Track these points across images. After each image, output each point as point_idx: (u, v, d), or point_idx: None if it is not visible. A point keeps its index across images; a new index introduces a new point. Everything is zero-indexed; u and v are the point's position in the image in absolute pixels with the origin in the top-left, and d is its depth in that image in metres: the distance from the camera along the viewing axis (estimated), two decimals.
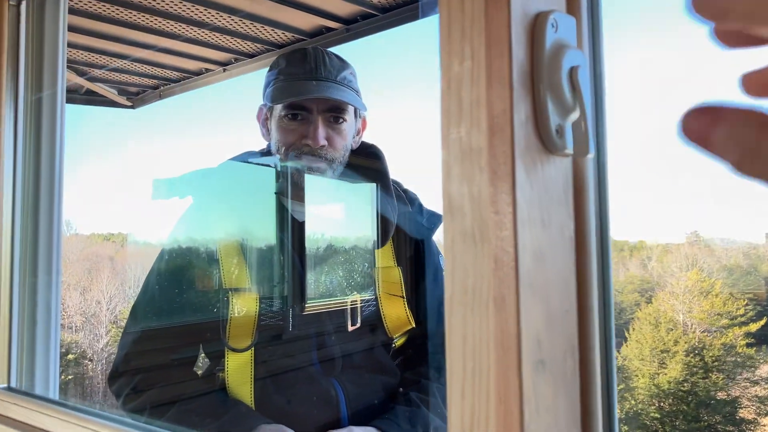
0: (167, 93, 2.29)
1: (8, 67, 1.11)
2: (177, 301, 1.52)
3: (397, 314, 1.56)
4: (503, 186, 0.44)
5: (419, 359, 1.60)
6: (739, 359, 26.81)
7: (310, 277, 1.45)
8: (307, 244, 1.45)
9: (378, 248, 1.55)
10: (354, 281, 1.53)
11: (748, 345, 26.91)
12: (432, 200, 1.67)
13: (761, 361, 26.75)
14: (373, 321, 1.56)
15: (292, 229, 1.50)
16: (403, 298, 1.55)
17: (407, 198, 1.64)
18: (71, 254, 31.01)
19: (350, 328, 1.50)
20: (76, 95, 2.33)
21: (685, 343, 27.26)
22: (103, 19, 1.70)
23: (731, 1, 0.31)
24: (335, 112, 1.49)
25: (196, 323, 1.50)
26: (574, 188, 0.50)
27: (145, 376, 1.45)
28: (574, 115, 0.48)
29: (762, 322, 26.97)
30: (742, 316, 27.47)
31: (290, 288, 1.47)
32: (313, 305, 1.45)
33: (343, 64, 1.52)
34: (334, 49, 1.63)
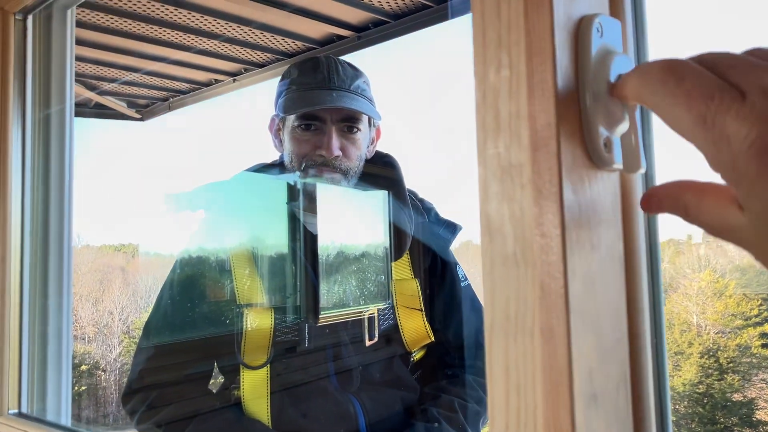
0: (176, 105, 2.27)
1: (15, 83, 1.08)
2: (191, 317, 1.49)
3: (415, 327, 1.52)
4: (549, 206, 0.41)
5: (439, 373, 1.56)
6: (754, 360, 26.55)
7: (324, 288, 1.42)
8: (320, 257, 1.42)
9: (394, 260, 1.51)
10: (370, 293, 1.50)
11: (763, 345, 26.64)
12: (449, 210, 1.64)
13: None
14: (391, 335, 1.52)
15: (305, 241, 1.47)
16: (422, 310, 1.52)
17: (423, 208, 1.61)
18: (83, 266, 31.11)
19: (368, 343, 1.46)
20: (85, 109, 2.31)
21: (699, 344, 27.03)
22: (112, 31, 1.67)
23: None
24: (349, 121, 1.45)
25: (210, 339, 1.47)
26: (622, 206, 0.46)
27: (160, 394, 1.42)
28: (623, 127, 0.44)
29: None
30: (756, 316, 27.21)
31: (304, 301, 1.43)
32: (327, 316, 1.41)
33: (356, 72, 1.49)
34: (346, 58, 1.60)
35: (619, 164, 0.45)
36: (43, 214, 1.12)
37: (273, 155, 1.61)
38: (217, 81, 2.09)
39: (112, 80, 2.08)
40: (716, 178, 0.37)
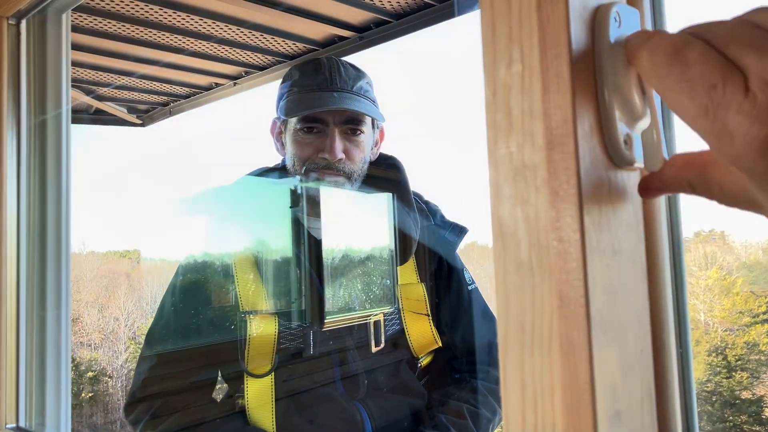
0: (177, 110, 2.25)
1: (9, 88, 1.06)
2: (193, 324, 1.47)
3: (422, 333, 1.49)
4: (567, 209, 0.38)
5: (447, 379, 1.53)
6: (762, 357, 26.43)
7: (329, 293, 1.39)
8: (324, 261, 1.40)
9: (400, 264, 1.49)
10: (375, 297, 1.47)
11: None
12: (454, 212, 1.61)
13: None
14: (398, 340, 1.49)
15: (309, 246, 1.45)
16: (428, 315, 1.49)
17: (429, 210, 1.58)
18: (88, 272, 31.17)
19: (374, 349, 1.43)
20: (85, 115, 2.29)
21: (707, 342, 26.94)
22: (110, 36, 1.65)
23: None
24: (352, 123, 1.43)
25: (213, 346, 1.44)
26: (644, 207, 0.43)
27: (163, 403, 1.40)
28: (644, 123, 0.41)
29: None
30: (764, 313, 27.10)
31: (309, 308, 1.41)
32: (332, 321, 1.39)
33: (358, 73, 1.47)
34: (347, 58, 1.58)
35: (640, 163, 0.42)
36: (40, 223, 1.10)
37: (275, 159, 1.59)
38: (217, 85, 2.07)
39: (112, 86, 2.05)
40: None
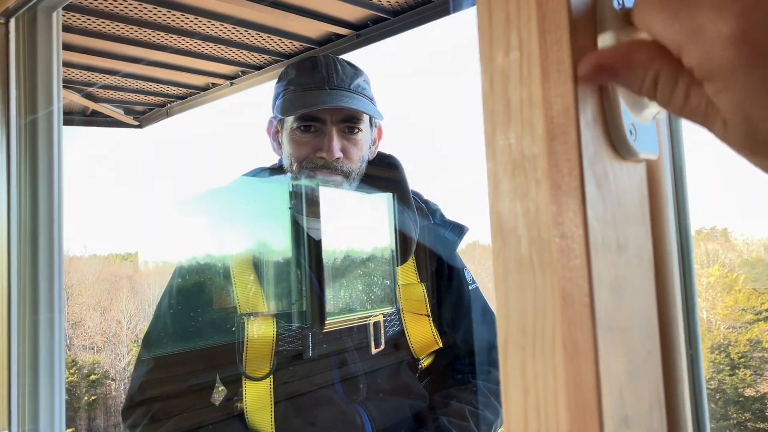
0: (174, 110, 2.23)
1: None
2: (190, 327, 1.45)
3: (422, 334, 1.47)
4: (569, 203, 0.36)
5: (448, 380, 1.51)
6: (766, 355, 26.37)
7: (329, 294, 1.37)
8: (324, 263, 1.38)
9: (399, 265, 1.46)
10: (376, 297, 1.45)
11: None
12: (455, 211, 1.59)
13: None
14: (398, 342, 1.47)
15: (308, 247, 1.43)
16: (429, 316, 1.47)
17: (428, 209, 1.56)
18: (90, 275, 31.16)
19: (374, 351, 1.41)
20: (82, 117, 2.27)
21: (710, 340, 26.89)
22: (104, 36, 1.63)
23: None
24: (350, 122, 1.41)
25: (211, 349, 1.42)
26: (650, 200, 0.41)
27: (161, 407, 1.38)
28: (650, 111, 0.39)
29: None
30: (767, 310, 27.04)
31: (308, 310, 1.39)
32: (332, 322, 1.37)
33: (356, 71, 1.45)
34: (345, 56, 1.56)
35: (646, 153, 0.39)
36: (31, 225, 1.08)
37: (272, 159, 1.57)
38: (214, 85, 2.05)
39: (107, 87, 2.03)
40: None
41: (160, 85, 2.07)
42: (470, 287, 1.55)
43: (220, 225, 1.55)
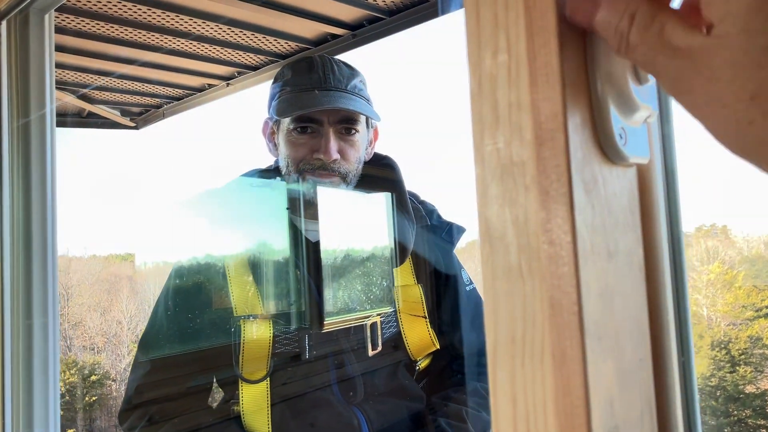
0: (171, 111, 2.22)
1: None
2: (187, 329, 1.44)
3: (419, 336, 1.47)
4: (558, 209, 0.35)
5: (446, 382, 1.50)
6: (766, 351, 26.37)
7: (327, 294, 1.37)
8: (320, 264, 1.37)
9: (396, 266, 1.46)
10: (372, 301, 1.45)
11: None
12: (452, 211, 1.59)
13: None
14: (395, 344, 1.47)
15: (305, 249, 1.42)
16: (425, 318, 1.46)
17: (425, 210, 1.55)
18: (90, 276, 31.17)
19: (371, 353, 1.41)
20: (78, 118, 2.26)
21: (710, 337, 26.90)
22: (99, 38, 1.62)
23: None
24: (347, 123, 1.40)
25: (207, 351, 1.42)
26: (641, 205, 0.41)
27: (158, 409, 1.37)
28: (641, 115, 0.39)
29: None
30: (767, 307, 27.04)
31: (305, 311, 1.38)
32: (330, 322, 1.36)
33: (352, 72, 1.44)
34: (341, 57, 1.55)
35: (636, 157, 0.39)
36: (24, 229, 1.07)
37: (268, 160, 1.56)
38: (210, 86, 2.04)
39: (103, 89, 2.03)
40: None
41: (156, 87, 2.06)
42: (467, 288, 1.54)
43: (216, 227, 1.55)
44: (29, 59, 1.09)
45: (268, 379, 1.35)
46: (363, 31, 1.66)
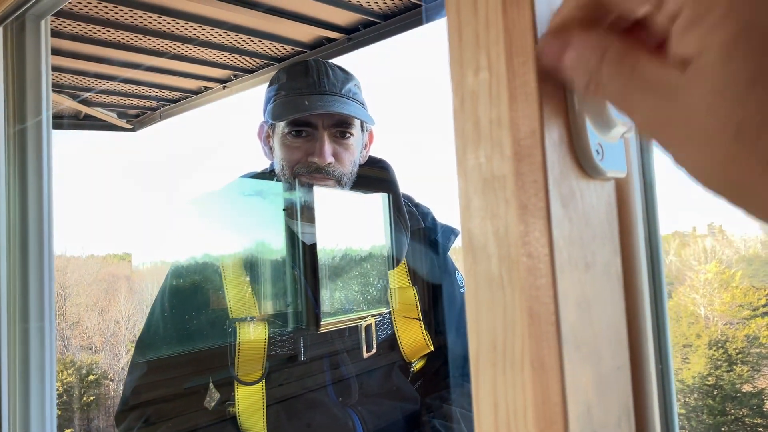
0: (167, 114, 2.23)
1: None
2: (183, 331, 1.45)
3: (414, 338, 1.48)
4: (535, 223, 0.36)
5: (440, 383, 1.51)
6: (763, 350, 26.40)
7: (323, 297, 1.38)
8: (316, 266, 1.38)
9: (391, 269, 1.47)
10: (368, 302, 1.46)
11: None
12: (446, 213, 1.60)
13: None
14: (389, 346, 1.48)
15: (301, 251, 1.43)
16: (420, 320, 1.47)
17: (420, 213, 1.57)
18: (88, 276, 31.15)
19: (366, 354, 1.42)
20: (75, 120, 2.27)
21: (708, 336, 26.92)
22: (95, 41, 1.63)
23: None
24: (342, 126, 1.41)
25: (203, 353, 1.43)
26: (619, 218, 0.42)
27: (155, 411, 1.38)
28: (617, 131, 0.40)
29: None
30: (764, 306, 27.07)
31: (301, 313, 1.39)
32: (326, 324, 1.37)
33: (347, 75, 1.45)
34: (335, 61, 1.56)
35: (614, 172, 0.40)
36: (21, 234, 1.08)
37: (263, 163, 1.57)
38: (206, 88, 2.05)
39: (100, 91, 2.04)
40: None
41: (153, 89, 2.07)
42: (462, 290, 1.55)
43: (212, 229, 1.56)
44: (26, 65, 1.10)
45: (264, 380, 1.36)
46: (358, 35, 1.68)
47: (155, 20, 1.54)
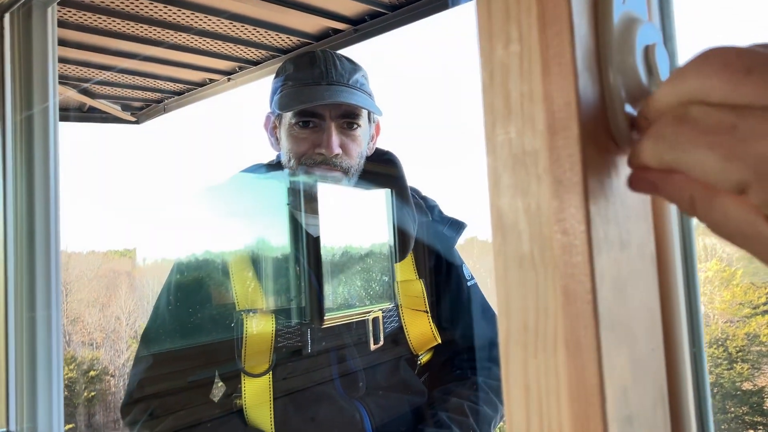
0: (171, 106, 2.22)
1: None
2: (189, 324, 1.44)
3: (421, 330, 1.47)
4: (571, 198, 0.35)
5: (447, 376, 1.51)
6: (763, 349, 26.39)
7: (327, 290, 1.37)
8: (322, 259, 1.37)
9: (398, 261, 1.46)
10: (373, 295, 1.45)
11: None
12: (453, 207, 1.59)
13: None
14: (396, 338, 1.47)
15: (306, 243, 1.42)
16: (427, 312, 1.46)
17: (426, 206, 1.56)
18: (88, 271, 31.14)
19: (373, 347, 1.41)
20: (78, 113, 2.26)
21: (708, 334, 26.91)
22: (100, 32, 1.62)
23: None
24: (349, 117, 1.40)
25: (209, 346, 1.42)
26: (652, 197, 0.41)
27: (160, 404, 1.37)
28: None
29: None
30: (764, 304, 27.05)
31: (306, 306, 1.38)
32: (331, 317, 1.36)
33: (354, 66, 1.44)
34: (342, 51, 1.55)
35: None
36: (27, 222, 1.07)
37: (270, 154, 1.56)
38: (211, 81, 2.04)
39: (104, 83, 2.02)
40: None
41: (157, 81, 2.06)
42: (469, 283, 1.54)
43: (218, 221, 1.54)
44: (32, 52, 1.08)
45: (271, 373, 1.35)
46: (364, 26, 1.66)
47: (161, 10, 1.53)
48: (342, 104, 1.38)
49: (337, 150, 1.38)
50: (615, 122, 0.37)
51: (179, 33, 1.67)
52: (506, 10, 0.38)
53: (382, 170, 1.53)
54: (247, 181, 1.55)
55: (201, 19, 1.60)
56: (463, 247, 1.61)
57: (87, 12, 1.49)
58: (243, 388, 1.35)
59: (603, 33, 0.37)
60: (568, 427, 0.35)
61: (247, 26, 1.66)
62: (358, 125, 1.42)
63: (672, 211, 0.42)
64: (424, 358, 1.52)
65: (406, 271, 1.50)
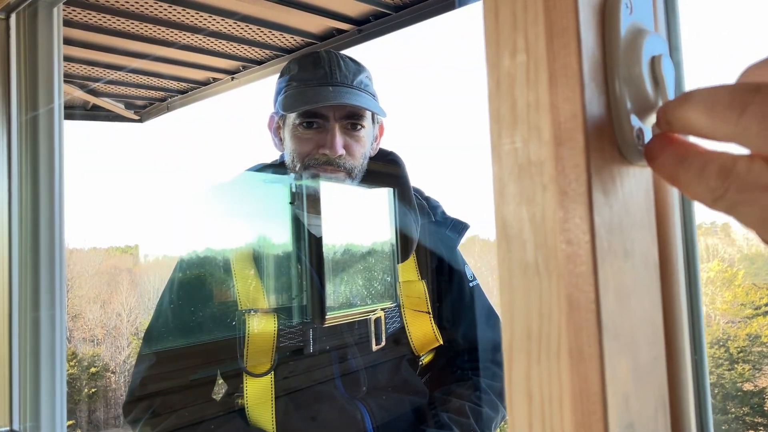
0: (175, 105, 2.22)
1: None
2: (191, 322, 1.45)
3: (423, 331, 1.47)
4: (576, 209, 0.35)
5: (449, 377, 1.51)
6: (765, 349, 26.37)
7: (329, 289, 1.37)
8: (324, 259, 1.38)
9: (400, 262, 1.46)
10: (375, 296, 1.45)
11: None
12: (455, 206, 1.59)
13: None
14: (398, 338, 1.47)
15: (308, 243, 1.43)
16: (429, 313, 1.47)
17: (429, 206, 1.56)
18: (90, 268, 31.16)
19: (374, 347, 1.41)
20: (82, 111, 2.26)
21: (709, 335, 26.87)
22: (105, 31, 1.62)
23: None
24: (353, 118, 1.40)
25: (212, 344, 1.42)
26: (656, 205, 0.41)
27: (163, 402, 1.38)
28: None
29: None
30: (766, 305, 27.04)
31: (308, 305, 1.39)
32: (333, 317, 1.37)
33: (358, 67, 1.44)
34: (346, 52, 1.55)
35: None
36: (32, 222, 1.07)
37: (273, 155, 1.57)
38: (215, 80, 2.04)
39: (108, 81, 2.03)
40: None
41: (161, 80, 2.06)
42: (471, 284, 1.55)
43: (221, 221, 1.55)
44: (38, 53, 1.09)
45: (273, 372, 1.36)
46: (369, 27, 1.67)
47: (165, 10, 1.53)
48: (346, 105, 1.38)
49: (341, 151, 1.39)
50: (621, 133, 0.38)
51: (184, 32, 1.68)
52: (513, 20, 0.38)
53: (385, 171, 1.53)
54: (250, 181, 1.56)
55: (206, 19, 1.60)
56: (464, 245, 1.62)
57: (92, 11, 1.50)
58: (245, 388, 1.36)
59: (610, 44, 0.38)
60: None
61: (251, 26, 1.66)
62: (362, 126, 1.43)
63: (675, 219, 0.42)
64: (425, 359, 1.52)
65: (408, 272, 1.50)
